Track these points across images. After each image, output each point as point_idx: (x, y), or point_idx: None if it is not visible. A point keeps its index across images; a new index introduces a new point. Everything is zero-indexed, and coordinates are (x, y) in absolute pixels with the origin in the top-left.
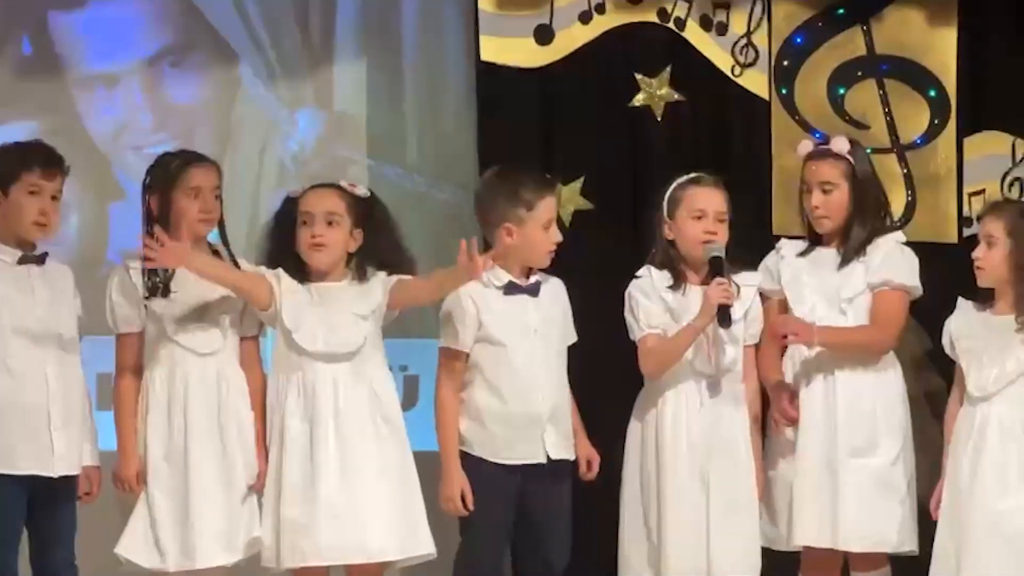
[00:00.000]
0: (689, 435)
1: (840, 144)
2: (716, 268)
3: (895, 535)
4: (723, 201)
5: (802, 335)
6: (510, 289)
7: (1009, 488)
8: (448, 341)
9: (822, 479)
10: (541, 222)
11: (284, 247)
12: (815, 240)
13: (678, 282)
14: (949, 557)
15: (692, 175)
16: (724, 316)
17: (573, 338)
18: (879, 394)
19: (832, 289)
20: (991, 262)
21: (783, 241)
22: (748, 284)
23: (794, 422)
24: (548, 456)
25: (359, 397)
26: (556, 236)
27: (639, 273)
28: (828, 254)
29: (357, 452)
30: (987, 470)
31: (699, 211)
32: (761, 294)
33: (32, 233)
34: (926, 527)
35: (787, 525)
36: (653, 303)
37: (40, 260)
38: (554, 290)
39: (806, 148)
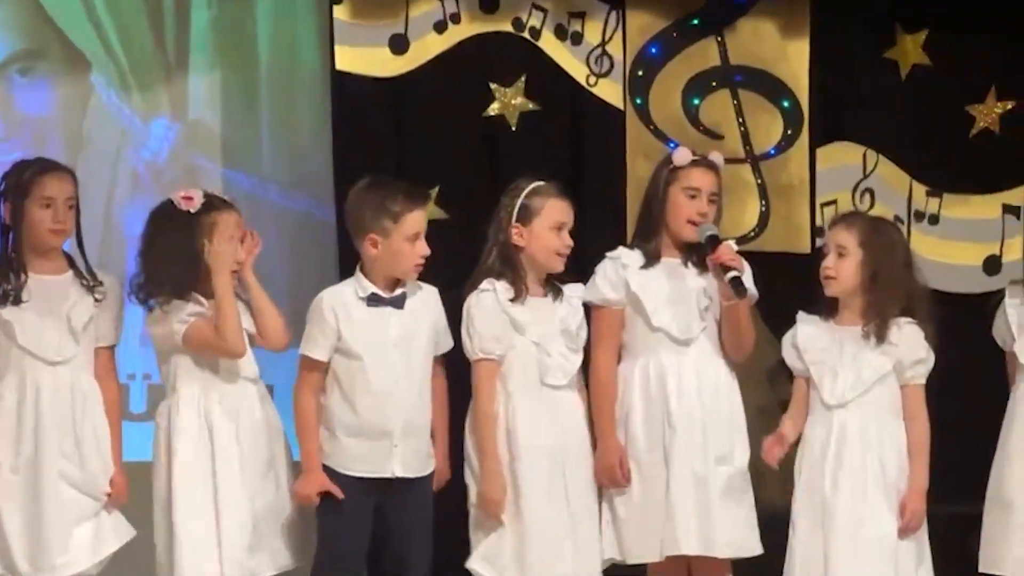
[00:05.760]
0: (544, 447)
1: (719, 158)
2: (714, 245)
3: (754, 540)
4: (572, 211)
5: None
6: (373, 301)
7: (869, 495)
8: (307, 349)
9: (695, 488)
10: (406, 235)
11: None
12: (656, 251)
13: (519, 294)
14: (814, 563)
15: (543, 183)
16: (738, 285)
17: (448, 345)
18: (733, 402)
19: (690, 297)
20: (844, 272)
21: (621, 250)
22: (575, 296)
23: (618, 487)
24: (395, 473)
25: None
26: (423, 249)
27: (483, 287)
28: (675, 263)
29: None
30: (848, 477)
31: (560, 223)
32: (594, 304)
33: None
34: (776, 529)
35: (644, 537)
36: (495, 321)
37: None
38: (424, 299)
39: (687, 155)
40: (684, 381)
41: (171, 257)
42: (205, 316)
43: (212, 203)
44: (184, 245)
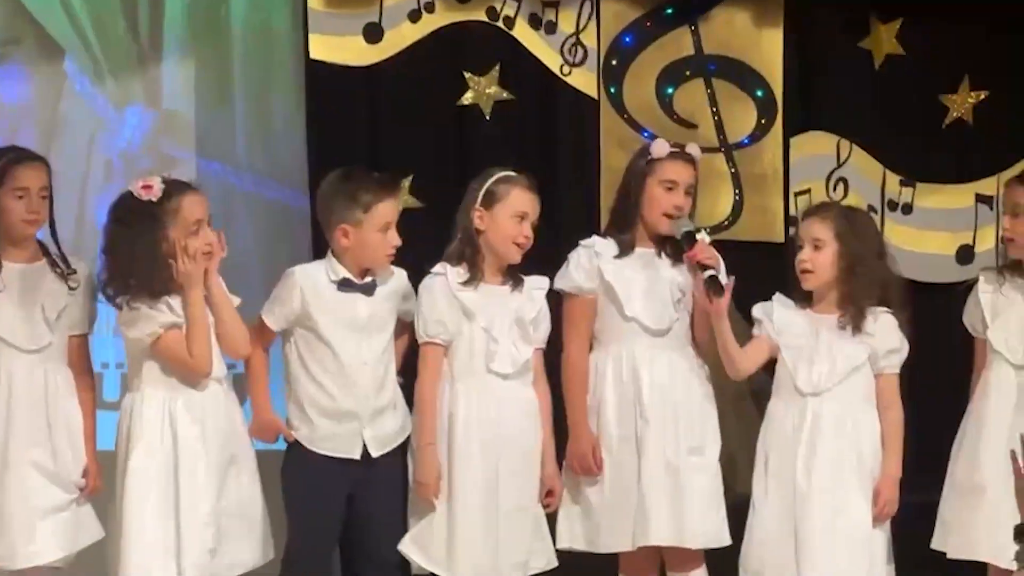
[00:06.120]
0: (481, 435)
1: (696, 150)
2: (691, 243)
3: (724, 530)
4: (538, 206)
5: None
6: (344, 285)
7: (844, 484)
8: (265, 312)
9: (667, 478)
10: (378, 225)
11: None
12: (630, 242)
13: (473, 278)
14: (778, 549)
15: (513, 172)
16: (714, 284)
17: (412, 313)
18: (705, 392)
19: (664, 288)
20: (821, 265)
21: (595, 239)
22: (537, 288)
23: (591, 475)
24: (368, 453)
25: None
26: (394, 239)
27: (436, 270)
28: (649, 254)
29: None
30: (823, 467)
31: (521, 213)
32: (567, 292)
33: None
34: (744, 519)
35: (616, 527)
36: (442, 305)
37: None
38: (393, 284)
39: (665, 147)
40: (657, 372)
41: (138, 252)
42: (178, 326)
43: (173, 188)
44: (150, 238)
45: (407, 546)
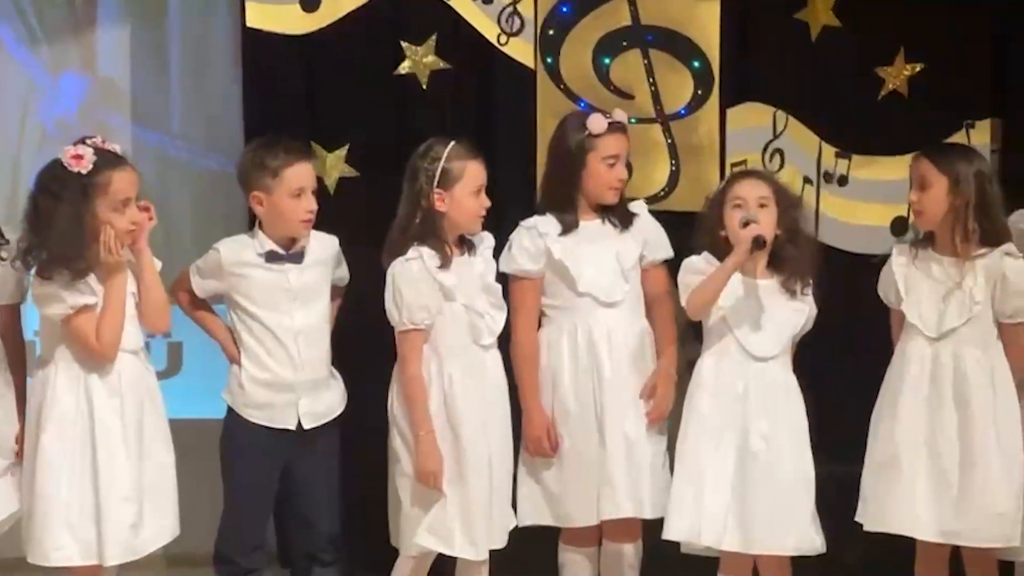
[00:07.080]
0: (479, 410)
1: (624, 116)
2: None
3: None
4: (486, 171)
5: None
6: (271, 257)
7: (800, 445)
8: (192, 273)
9: (627, 450)
10: (289, 190)
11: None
12: (574, 217)
13: (445, 260)
14: (720, 514)
15: (456, 143)
16: (759, 243)
17: (344, 278)
18: (654, 362)
19: (611, 259)
20: (768, 224)
21: (536, 219)
22: (485, 246)
23: (547, 457)
24: (301, 425)
25: None
26: (309, 204)
27: (409, 255)
28: (594, 226)
29: None
30: (781, 431)
31: (480, 186)
32: (513, 275)
33: None
34: None
35: (579, 501)
36: (425, 290)
37: None
38: (323, 249)
39: (603, 122)
40: (614, 343)
41: (61, 226)
42: (90, 308)
43: (104, 162)
44: (75, 212)
45: (424, 538)
